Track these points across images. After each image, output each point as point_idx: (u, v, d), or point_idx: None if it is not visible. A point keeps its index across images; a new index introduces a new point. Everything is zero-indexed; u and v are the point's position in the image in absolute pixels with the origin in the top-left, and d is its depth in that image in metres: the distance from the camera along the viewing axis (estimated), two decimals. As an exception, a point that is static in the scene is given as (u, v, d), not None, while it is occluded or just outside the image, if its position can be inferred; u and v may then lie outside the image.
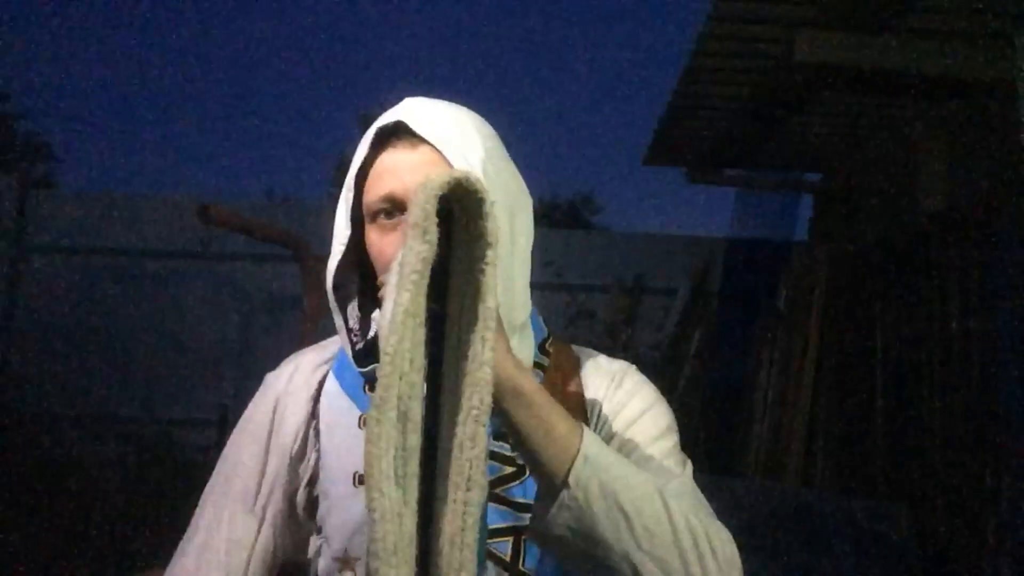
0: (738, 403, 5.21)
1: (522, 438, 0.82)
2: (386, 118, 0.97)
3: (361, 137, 1.00)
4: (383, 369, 0.73)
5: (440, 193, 0.76)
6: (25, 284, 6.92)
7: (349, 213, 0.98)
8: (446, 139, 0.93)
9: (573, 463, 0.81)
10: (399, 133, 0.95)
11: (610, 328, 6.28)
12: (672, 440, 1.00)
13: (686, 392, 5.53)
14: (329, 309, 1.00)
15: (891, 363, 4.03)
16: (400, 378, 0.74)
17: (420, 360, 0.76)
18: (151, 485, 5.26)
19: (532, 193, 1.07)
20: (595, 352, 1.08)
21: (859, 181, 5.16)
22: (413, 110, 0.96)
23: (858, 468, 4.12)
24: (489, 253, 0.78)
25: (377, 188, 0.95)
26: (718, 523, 0.90)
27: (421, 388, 0.76)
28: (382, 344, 0.75)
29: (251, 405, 1.08)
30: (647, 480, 0.87)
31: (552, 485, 0.82)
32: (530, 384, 0.83)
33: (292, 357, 1.10)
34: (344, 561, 0.97)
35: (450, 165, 0.91)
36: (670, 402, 1.04)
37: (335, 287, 1.00)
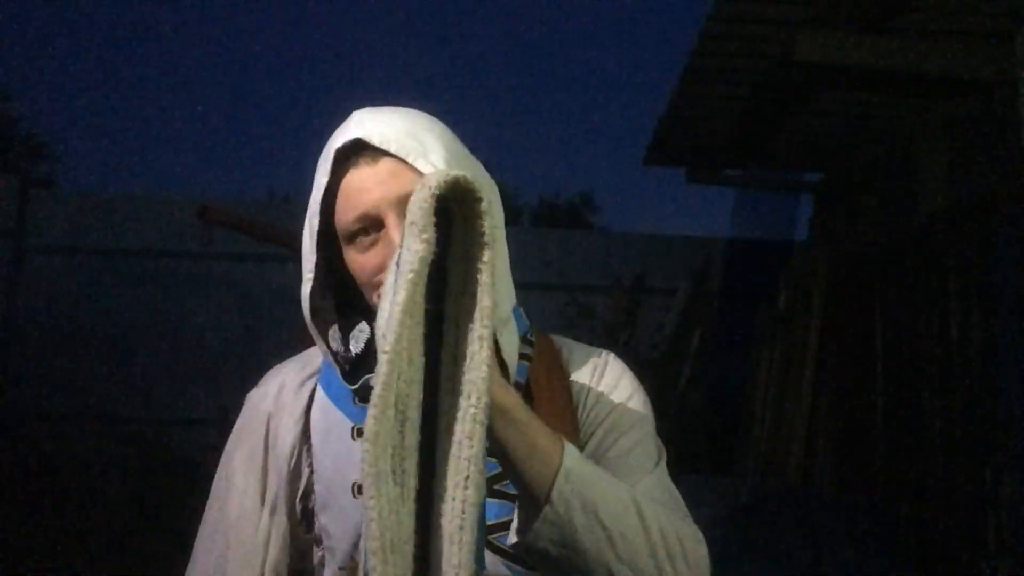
0: (738, 403, 5.21)
1: (506, 454, 0.84)
2: (341, 137, 0.95)
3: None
4: (381, 368, 0.73)
5: (437, 193, 0.76)
6: (25, 284, 6.92)
7: (315, 238, 0.96)
8: (406, 147, 0.92)
9: (555, 479, 0.83)
10: (357, 150, 0.94)
11: (610, 328, 6.27)
12: (649, 427, 1.02)
13: (686, 392, 5.53)
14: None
15: (891, 363, 4.03)
16: (398, 377, 0.74)
17: (418, 359, 0.76)
18: (151, 485, 5.26)
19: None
20: (574, 342, 1.10)
21: (859, 181, 5.16)
22: (366, 124, 0.95)
23: (858, 468, 4.12)
24: (486, 252, 0.78)
25: (349, 210, 0.94)
26: (688, 522, 0.92)
27: (419, 387, 0.77)
28: (380, 343, 0.75)
29: (239, 426, 1.07)
30: (623, 490, 0.89)
31: (535, 501, 0.84)
32: (513, 400, 0.84)
33: (273, 372, 1.10)
34: (351, 569, 0.97)
35: (416, 172, 0.91)
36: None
37: (313, 311, 0.98)
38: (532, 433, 0.84)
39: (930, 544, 3.44)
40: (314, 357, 1.08)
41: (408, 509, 0.74)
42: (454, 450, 0.76)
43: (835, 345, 4.46)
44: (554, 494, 0.83)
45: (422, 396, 0.77)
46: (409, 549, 0.74)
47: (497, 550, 0.95)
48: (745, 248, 6.63)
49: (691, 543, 0.89)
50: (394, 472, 0.73)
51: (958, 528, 3.34)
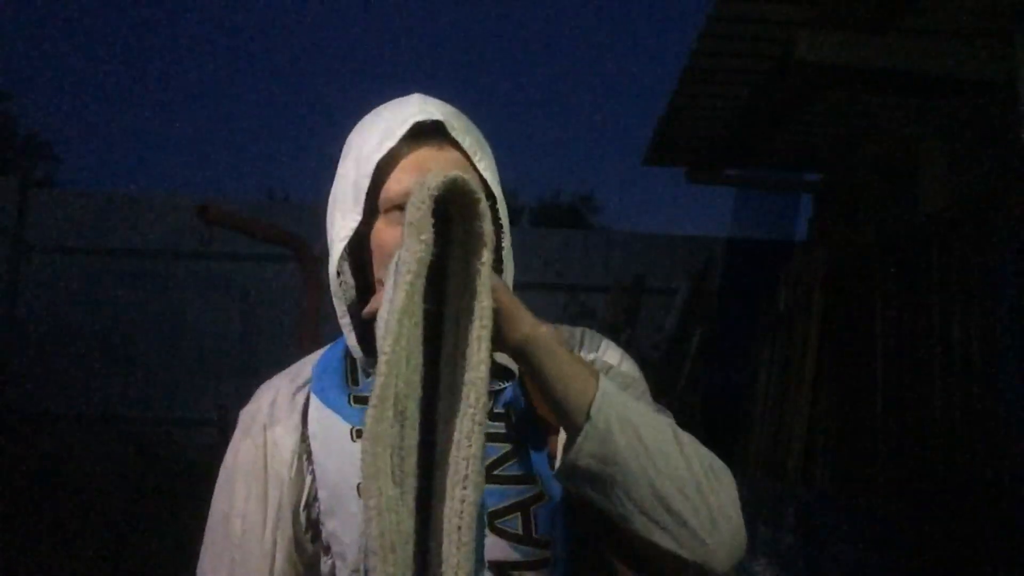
0: (738, 403, 5.21)
1: (548, 382, 0.89)
2: (415, 112, 0.98)
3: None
4: (381, 369, 0.73)
5: (436, 194, 0.76)
6: (25, 284, 6.92)
7: (364, 199, 0.97)
8: (473, 146, 0.98)
9: (594, 397, 0.88)
10: (429, 131, 0.97)
11: (610, 328, 6.28)
12: (644, 388, 1.07)
13: (686, 392, 5.53)
14: (327, 309, 1.00)
15: (891, 363, 4.03)
16: (397, 377, 0.74)
17: (417, 359, 0.76)
18: (151, 485, 5.27)
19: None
20: (556, 324, 1.11)
21: (859, 181, 5.16)
22: (444, 110, 0.99)
23: (858, 468, 4.12)
24: (484, 253, 0.78)
25: (403, 181, 0.95)
26: (709, 451, 0.97)
27: (418, 387, 0.77)
28: (379, 344, 0.75)
29: (236, 442, 1.07)
30: (655, 412, 0.95)
31: (577, 421, 0.88)
32: (547, 332, 0.90)
33: (264, 387, 1.10)
34: (364, 572, 0.97)
35: (475, 170, 0.96)
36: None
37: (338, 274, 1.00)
38: (568, 360, 0.91)
39: (930, 544, 3.44)
40: (304, 368, 1.09)
41: (407, 508, 0.74)
42: (453, 450, 0.76)
43: (835, 345, 4.46)
44: (593, 410, 0.88)
45: (421, 396, 0.77)
46: (409, 548, 0.74)
47: (503, 534, 0.95)
48: (745, 248, 6.63)
49: (718, 461, 0.94)
50: (393, 472, 0.73)
51: (958, 528, 3.34)
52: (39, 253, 6.96)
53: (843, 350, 4.42)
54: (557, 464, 0.93)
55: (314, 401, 1.04)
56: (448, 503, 0.76)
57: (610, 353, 1.08)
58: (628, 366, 1.08)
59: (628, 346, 6.06)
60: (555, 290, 6.84)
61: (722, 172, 5.64)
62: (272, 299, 6.90)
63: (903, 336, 3.95)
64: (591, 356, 1.06)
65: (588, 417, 0.87)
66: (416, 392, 0.76)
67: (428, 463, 0.78)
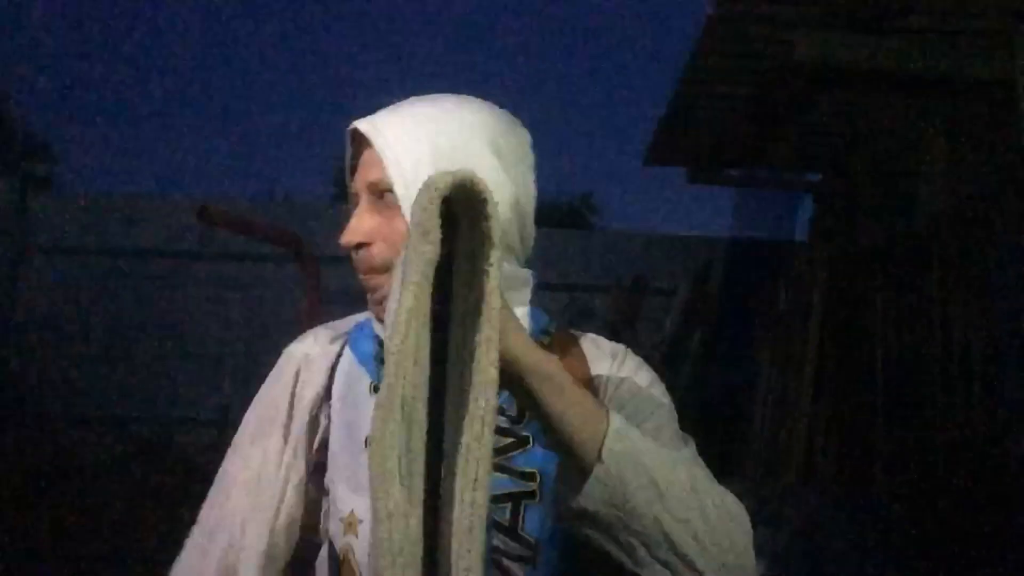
0: (738, 403, 5.21)
1: (553, 420, 0.84)
2: (355, 121, 1.04)
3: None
4: (387, 369, 0.73)
5: (443, 194, 0.76)
6: (25, 284, 6.91)
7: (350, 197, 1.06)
8: (387, 142, 0.98)
9: (605, 438, 0.84)
10: (362, 133, 1.02)
11: (610, 328, 6.27)
12: (670, 415, 1.03)
13: (686, 392, 5.53)
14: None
15: (891, 363, 4.03)
16: (405, 378, 0.74)
17: (424, 361, 0.76)
18: (151, 485, 5.26)
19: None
20: (593, 335, 1.13)
21: (859, 181, 5.16)
22: (375, 115, 1.02)
23: (858, 468, 4.12)
24: (492, 253, 0.77)
25: (352, 186, 1.04)
26: (726, 489, 0.94)
27: (426, 388, 0.76)
28: (386, 344, 0.75)
29: (272, 376, 1.12)
30: (667, 450, 0.91)
31: (586, 461, 0.84)
32: (557, 368, 0.85)
33: (311, 331, 1.15)
34: (348, 523, 0.98)
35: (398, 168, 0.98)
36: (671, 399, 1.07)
37: None
38: (578, 397, 0.85)
39: (930, 544, 3.44)
40: (347, 323, 1.14)
41: (416, 511, 0.74)
42: (462, 452, 0.76)
43: (835, 345, 4.46)
44: (605, 452, 0.83)
45: (429, 398, 0.77)
46: (417, 551, 0.74)
47: (496, 525, 0.96)
48: (745, 248, 6.63)
49: (733, 501, 0.91)
50: (401, 474, 0.73)
51: (958, 527, 3.35)
52: (39, 253, 6.95)
53: (843, 350, 4.42)
54: (559, 507, 0.89)
55: (347, 352, 1.08)
56: (458, 506, 0.75)
57: (641, 375, 1.06)
58: (657, 390, 1.05)
59: (628, 347, 6.04)
60: (555, 290, 6.82)
61: (722, 172, 5.64)
62: (272, 299, 6.89)
63: (903, 336, 3.96)
64: (621, 375, 1.04)
65: (599, 459, 0.83)
66: (423, 393, 0.76)
67: (436, 466, 0.78)
